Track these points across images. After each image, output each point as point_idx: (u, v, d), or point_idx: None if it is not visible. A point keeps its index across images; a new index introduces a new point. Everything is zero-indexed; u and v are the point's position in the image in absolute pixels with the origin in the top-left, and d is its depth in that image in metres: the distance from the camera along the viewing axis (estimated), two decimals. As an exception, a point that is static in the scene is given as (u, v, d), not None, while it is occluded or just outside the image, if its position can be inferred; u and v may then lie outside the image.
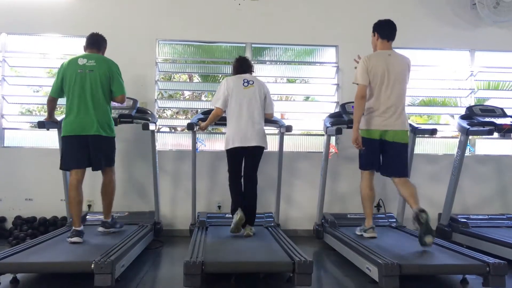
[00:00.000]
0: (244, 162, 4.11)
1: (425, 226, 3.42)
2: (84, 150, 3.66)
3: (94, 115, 3.65)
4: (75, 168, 3.69)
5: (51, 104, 3.97)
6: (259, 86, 4.11)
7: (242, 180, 4.11)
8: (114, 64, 3.82)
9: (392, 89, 3.76)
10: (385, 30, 3.91)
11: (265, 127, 4.54)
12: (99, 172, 3.86)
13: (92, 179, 4.09)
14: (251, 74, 4.22)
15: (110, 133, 3.80)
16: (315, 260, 3.50)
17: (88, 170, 3.78)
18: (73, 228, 3.59)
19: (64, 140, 3.72)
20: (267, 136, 4.01)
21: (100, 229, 4.00)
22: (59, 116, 4.17)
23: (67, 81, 3.71)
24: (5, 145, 5.02)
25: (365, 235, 3.92)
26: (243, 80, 4.07)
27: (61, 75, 3.75)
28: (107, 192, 3.93)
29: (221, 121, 4.27)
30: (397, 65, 3.82)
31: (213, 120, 4.18)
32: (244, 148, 4.00)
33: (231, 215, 4.07)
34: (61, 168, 3.80)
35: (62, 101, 3.93)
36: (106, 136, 3.74)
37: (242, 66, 4.17)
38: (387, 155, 3.85)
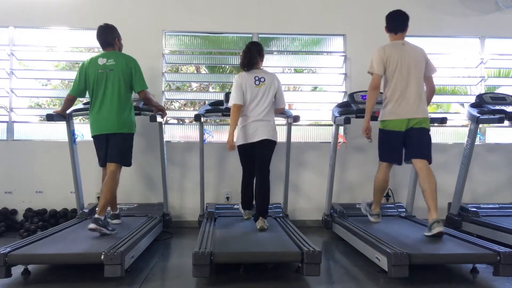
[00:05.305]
0: (255, 156, 3.99)
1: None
2: (106, 149, 3.76)
3: (116, 114, 3.71)
4: (101, 166, 3.89)
5: (69, 102, 4.02)
6: (270, 82, 3.96)
7: (255, 174, 4.05)
8: (133, 61, 3.84)
9: (409, 77, 3.70)
10: (392, 23, 3.86)
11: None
12: None
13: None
14: (261, 67, 4.08)
15: (129, 130, 3.82)
16: (324, 250, 3.50)
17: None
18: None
19: (93, 140, 3.85)
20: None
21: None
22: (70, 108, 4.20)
23: (90, 81, 3.76)
24: (14, 138, 5.06)
25: (371, 218, 4.15)
26: (255, 78, 3.95)
27: (83, 75, 3.79)
28: (107, 187, 3.67)
29: (228, 112, 4.24)
30: (412, 54, 3.76)
31: (236, 119, 3.91)
32: (250, 144, 3.93)
33: (239, 207, 4.32)
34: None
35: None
36: (124, 133, 3.77)
37: (250, 62, 3.96)
38: (411, 140, 3.75)
